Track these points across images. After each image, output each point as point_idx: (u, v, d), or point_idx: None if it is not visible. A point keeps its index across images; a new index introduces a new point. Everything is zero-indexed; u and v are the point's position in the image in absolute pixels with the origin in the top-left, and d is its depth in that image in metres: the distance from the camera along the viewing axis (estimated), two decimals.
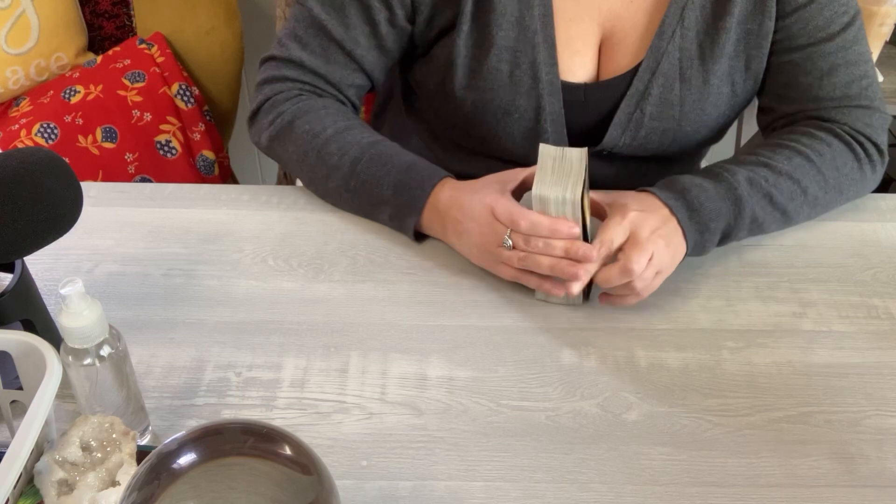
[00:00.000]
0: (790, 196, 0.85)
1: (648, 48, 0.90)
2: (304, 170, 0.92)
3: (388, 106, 1.13)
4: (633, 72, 0.91)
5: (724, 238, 0.84)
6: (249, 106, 0.97)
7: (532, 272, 0.79)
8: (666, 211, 0.80)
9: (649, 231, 0.77)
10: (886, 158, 0.93)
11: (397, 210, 0.86)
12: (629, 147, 0.94)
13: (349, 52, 0.92)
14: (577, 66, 0.92)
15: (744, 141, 1.67)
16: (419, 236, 0.88)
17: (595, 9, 0.90)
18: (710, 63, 0.89)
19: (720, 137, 1.00)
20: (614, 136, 0.94)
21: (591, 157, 0.98)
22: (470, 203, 0.81)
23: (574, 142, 0.95)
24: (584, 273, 0.75)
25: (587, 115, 0.94)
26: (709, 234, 0.81)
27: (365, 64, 0.94)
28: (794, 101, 0.93)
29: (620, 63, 0.92)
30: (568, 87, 0.92)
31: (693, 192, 0.81)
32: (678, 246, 0.80)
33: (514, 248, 0.78)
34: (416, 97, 1.03)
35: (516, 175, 0.83)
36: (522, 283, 0.80)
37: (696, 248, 0.82)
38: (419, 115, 1.05)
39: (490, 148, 0.95)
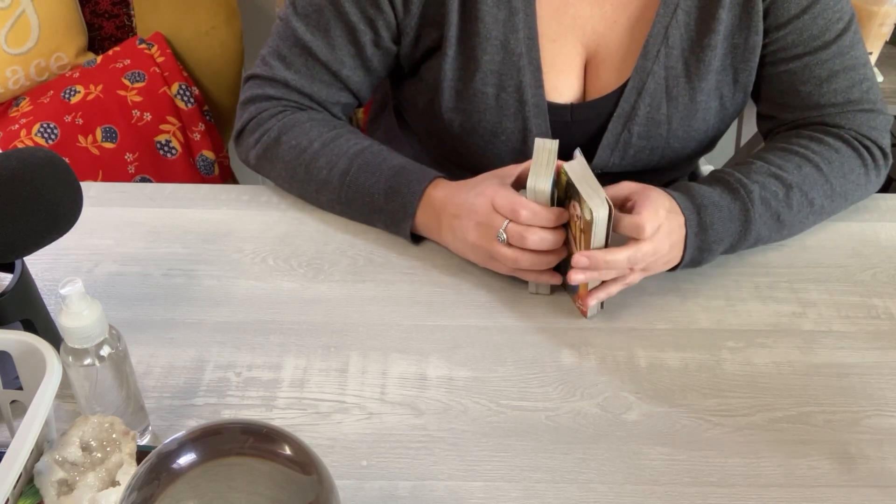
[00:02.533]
0: (797, 210, 0.85)
1: (634, 68, 0.89)
2: (295, 186, 0.92)
3: (384, 113, 1.12)
4: (619, 92, 0.91)
5: (723, 254, 0.84)
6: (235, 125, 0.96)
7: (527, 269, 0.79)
8: (682, 220, 0.79)
9: (665, 233, 0.77)
10: (890, 161, 0.93)
11: (391, 216, 0.86)
12: (619, 166, 0.94)
13: (335, 73, 0.92)
14: (562, 86, 0.91)
15: (744, 141, 1.67)
16: (417, 238, 0.88)
17: (579, 28, 0.90)
18: (696, 80, 0.89)
19: (713, 147, 0.99)
20: (604, 157, 0.94)
21: None
22: (467, 198, 0.81)
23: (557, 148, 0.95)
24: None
25: (574, 135, 0.94)
26: (708, 253, 0.82)
27: (351, 84, 0.94)
28: (795, 109, 0.92)
29: (606, 82, 0.92)
30: (554, 108, 0.91)
31: (708, 211, 0.81)
32: (674, 258, 0.80)
33: (508, 243, 0.77)
34: (407, 114, 1.03)
35: (513, 170, 0.82)
36: (518, 277, 0.81)
37: (691, 263, 0.82)
38: (411, 130, 1.04)
39: (479, 166, 0.95)
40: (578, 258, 0.74)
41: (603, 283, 0.78)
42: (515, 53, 0.88)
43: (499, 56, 0.88)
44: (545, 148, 0.77)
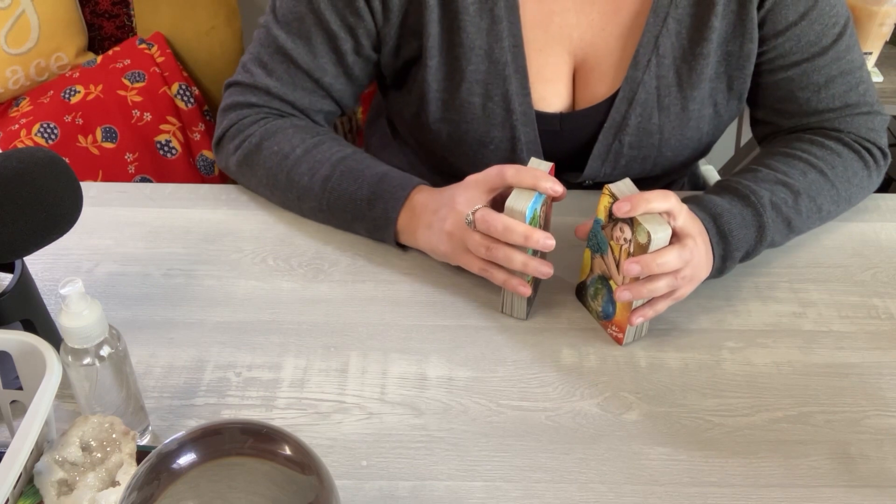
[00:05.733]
0: (806, 216, 0.85)
1: (624, 78, 0.88)
2: (277, 193, 0.90)
3: (380, 119, 1.11)
4: (610, 102, 0.90)
5: (740, 262, 0.83)
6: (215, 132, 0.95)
7: (499, 267, 0.77)
8: (703, 226, 0.78)
9: (700, 231, 0.76)
10: (889, 160, 0.93)
11: (373, 223, 0.85)
12: (611, 176, 0.94)
13: (317, 80, 0.91)
14: (550, 95, 0.91)
15: (744, 142, 1.67)
16: (403, 247, 0.87)
17: (566, 37, 0.89)
18: (688, 89, 0.88)
19: (707, 153, 0.99)
20: (595, 168, 0.93)
21: (575, 188, 0.96)
22: (442, 194, 0.81)
23: (554, 168, 0.94)
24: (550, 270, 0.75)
25: (564, 145, 0.93)
26: (731, 261, 0.81)
27: (333, 91, 0.93)
28: (793, 116, 0.92)
29: (596, 92, 0.91)
30: (542, 117, 0.91)
31: (725, 218, 0.80)
32: (709, 263, 0.78)
33: (474, 227, 0.76)
34: (397, 125, 1.03)
35: (498, 171, 0.80)
36: (488, 279, 0.78)
37: (717, 272, 0.81)
38: (403, 140, 1.04)
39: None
40: (629, 266, 0.71)
41: (650, 301, 0.75)
42: (501, 62, 0.87)
43: (483, 65, 0.87)
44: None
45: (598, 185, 0.95)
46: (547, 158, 0.93)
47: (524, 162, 0.91)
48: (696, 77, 0.88)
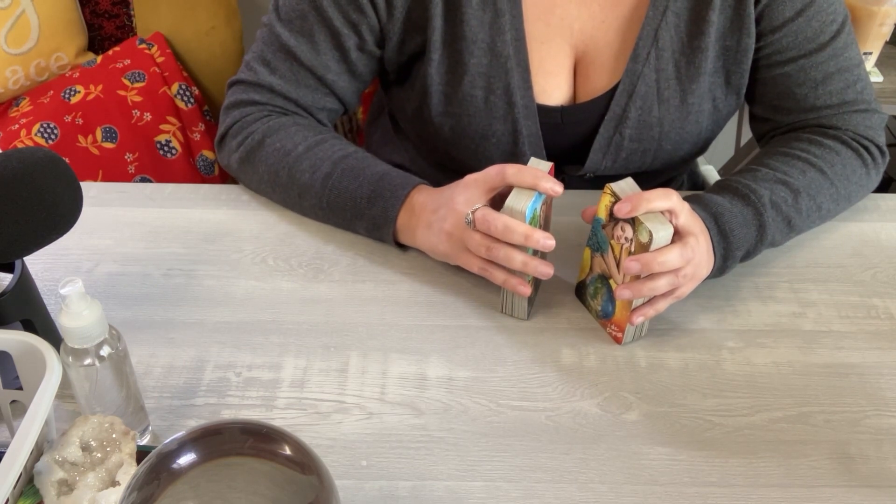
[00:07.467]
0: (806, 215, 0.85)
1: (624, 71, 0.89)
2: (278, 190, 0.90)
3: (381, 116, 1.12)
4: (610, 94, 0.90)
5: (741, 261, 0.83)
6: (218, 129, 0.95)
7: (499, 267, 0.77)
8: (704, 225, 0.78)
9: (701, 230, 0.76)
10: (888, 158, 0.93)
11: (372, 221, 0.85)
12: (612, 168, 0.94)
13: (320, 78, 0.91)
14: (551, 88, 0.91)
15: (744, 141, 1.67)
16: (403, 246, 0.87)
17: (566, 29, 0.89)
18: (687, 83, 0.89)
19: (706, 149, 0.99)
20: (595, 161, 0.93)
21: (576, 181, 0.97)
22: (446, 193, 0.80)
23: (555, 164, 0.94)
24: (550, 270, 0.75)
25: (566, 138, 0.93)
26: (732, 260, 0.81)
27: (336, 89, 0.93)
28: (791, 112, 0.92)
29: (597, 85, 0.91)
30: (544, 110, 0.91)
31: (725, 217, 0.80)
32: (710, 262, 0.78)
33: (474, 227, 0.75)
34: (399, 120, 1.03)
35: (497, 171, 0.80)
36: (488, 279, 0.78)
37: (718, 272, 0.81)
38: (405, 135, 1.04)
39: (471, 170, 0.94)
40: (630, 264, 0.71)
41: (650, 300, 0.75)
42: (503, 56, 0.87)
43: (486, 59, 0.88)
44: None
45: (598, 179, 0.95)
46: (548, 151, 0.93)
47: (526, 155, 0.91)
48: (694, 71, 0.88)
